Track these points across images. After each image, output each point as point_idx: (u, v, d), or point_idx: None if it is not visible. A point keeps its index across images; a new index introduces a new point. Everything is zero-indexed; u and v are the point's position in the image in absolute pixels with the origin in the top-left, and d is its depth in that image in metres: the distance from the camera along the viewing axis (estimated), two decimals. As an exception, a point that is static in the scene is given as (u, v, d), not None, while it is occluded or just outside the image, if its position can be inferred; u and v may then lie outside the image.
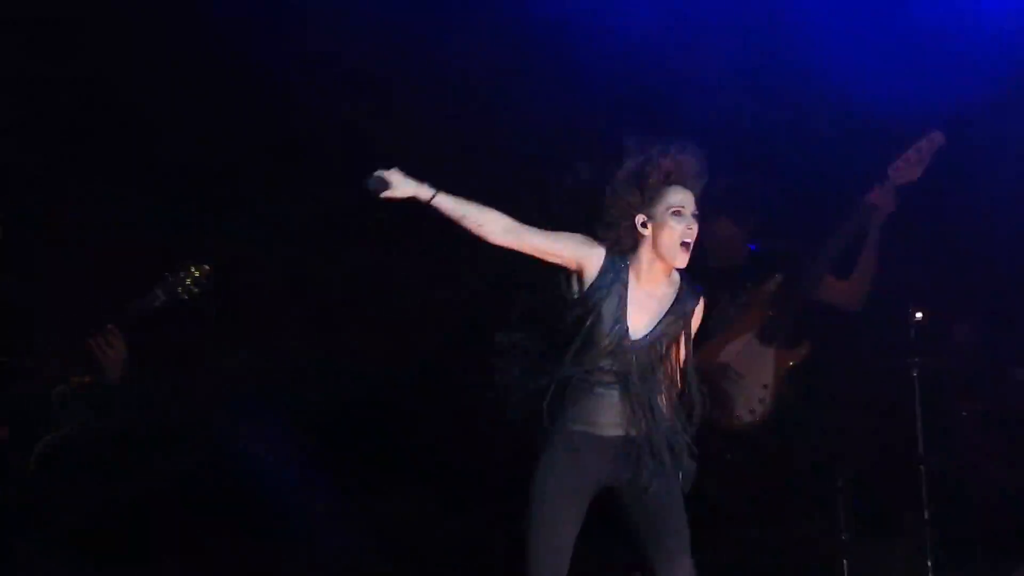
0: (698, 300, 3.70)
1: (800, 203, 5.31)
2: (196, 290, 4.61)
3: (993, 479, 5.50)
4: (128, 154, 5.41)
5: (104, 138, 5.37)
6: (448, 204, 3.51)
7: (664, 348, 3.63)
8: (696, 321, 3.71)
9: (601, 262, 3.53)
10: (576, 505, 3.72)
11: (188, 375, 5.35)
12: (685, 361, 3.61)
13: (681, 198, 3.55)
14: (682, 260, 3.56)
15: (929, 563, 5.28)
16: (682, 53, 5.39)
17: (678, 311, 3.60)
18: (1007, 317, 5.53)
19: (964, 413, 5.44)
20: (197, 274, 4.60)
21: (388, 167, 3.46)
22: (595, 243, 3.55)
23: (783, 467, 5.35)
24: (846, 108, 5.38)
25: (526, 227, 3.51)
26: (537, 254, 3.50)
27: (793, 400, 5.34)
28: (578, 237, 3.57)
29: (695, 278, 3.64)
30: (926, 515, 5.15)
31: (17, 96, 5.16)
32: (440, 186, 3.47)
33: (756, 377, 5.31)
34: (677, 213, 3.54)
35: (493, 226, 3.50)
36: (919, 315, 5.23)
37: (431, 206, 3.46)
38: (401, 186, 3.47)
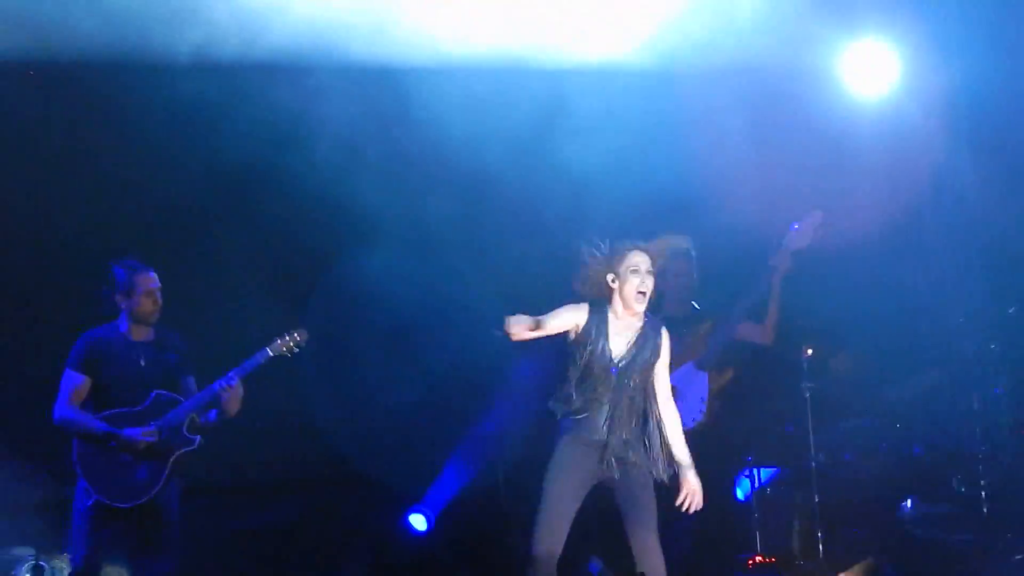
0: (660, 332, 5.01)
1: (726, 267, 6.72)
2: (296, 349, 5.89)
3: (861, 469, 6.94)
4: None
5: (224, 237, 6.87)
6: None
7: (640, 368, 4.90)
8: (666, 350, 5.01)
9: (587, 315, 4.89)
10: (574, 491, 4.95)
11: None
12: (662, 380, 5.00)
13: (637, 260, 4.92)
14: (639, 306, 4.87)
15: (819, 534, 6.66)
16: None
17: (645, 340, 4.89)
18: (876, 352, 6.99)
19: (841, 423, 6.92)
20: (298, 337, 5.87)
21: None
22: (580, 306, 4.90)
23: (716, 459, 6.42)
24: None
25: (543, 318, 4.79)
26: (553, 331, 4.80)
27: (720, 411, 6.62)
28: (568, 307, 4.89)
29: (658, 318, 5.04)
30: (816, 498, 6.54)
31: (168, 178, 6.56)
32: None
33: (695, 394, 6.60)
34: (635, 271, 4.89)
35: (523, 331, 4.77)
36: (810, 351, 6.68)
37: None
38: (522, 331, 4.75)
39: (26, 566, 6.47)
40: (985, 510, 6.67)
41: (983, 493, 6.77)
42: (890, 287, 6.98)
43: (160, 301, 5.95)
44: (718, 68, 6.66)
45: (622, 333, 4.92)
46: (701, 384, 6.66)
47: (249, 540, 7.31)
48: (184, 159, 6.88)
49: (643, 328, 4.93)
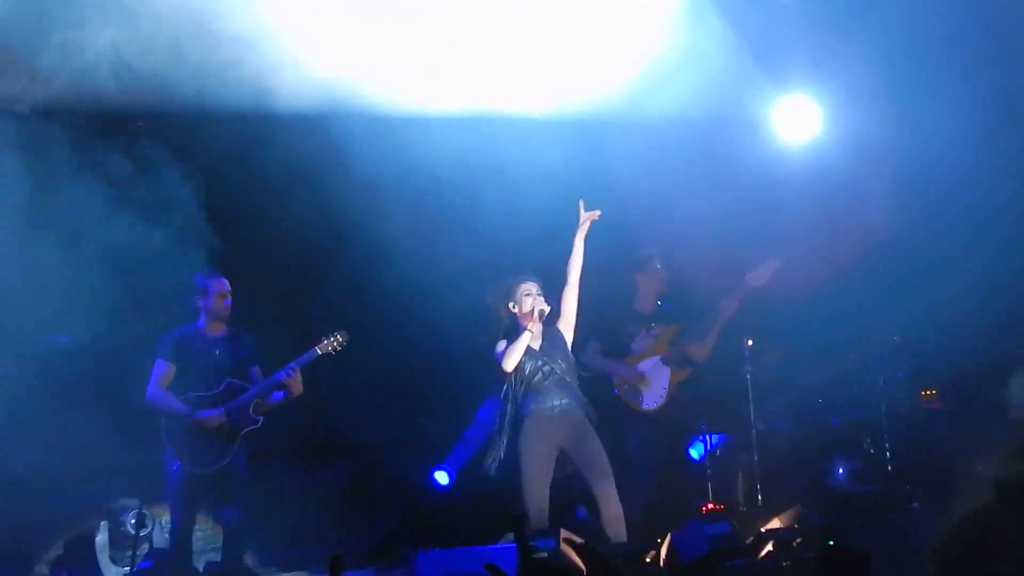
0: (557, 329, 6.11)
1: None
2: (339, 348, 6.61)
3: (791, 435, 7.69)
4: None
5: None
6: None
7: (561, 356, 6.03)
8: (568, 337, 6.12)
9: (507, 340, 6.03)
10: (546, 457, 6.04)
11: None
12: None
13: (527, 287, 6.12)
14: (535, 322, 6.02)
15: (758, 486, 7.34)
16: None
17: (552, 338, 6.04)
18: (802, 343, 7.69)
19: (775, 398, 7.69)
20: (340, 338, 6.60)
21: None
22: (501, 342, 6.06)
23: (677, 428, 7.45)
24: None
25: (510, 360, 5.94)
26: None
27: (681, 398, 7.32)
28: (502, 342, 6.05)
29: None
30: (755, 457, 7.31)
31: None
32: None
33: (659, 383, 7.25)
34: (528, 294, 6.11)
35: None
36: (750, 342, 7.49)
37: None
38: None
39: (132, 514, 7.13)
40: (889, 467, 7.37)
41: (887, 453, 7.45)
42: (815, 294, 7.49)
43: (229, 301, 6.55)
44: (665, 118, 7.10)
45: (537, 336, 6.09)
46: (664, 377, 7.29)
47: (304, 493, 7.89)
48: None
49: (549, 331, 6.11)
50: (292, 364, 6.45)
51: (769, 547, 5.80)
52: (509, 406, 6.00)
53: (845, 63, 7.35)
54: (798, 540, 5.83)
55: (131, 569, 6.97)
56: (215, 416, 6.41)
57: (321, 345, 6.52)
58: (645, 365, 7.23)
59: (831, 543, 4.92)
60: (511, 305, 6.08)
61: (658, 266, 7.28)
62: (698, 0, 6.90)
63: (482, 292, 6.35)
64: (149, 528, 7.16)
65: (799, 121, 7.50)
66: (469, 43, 6.66)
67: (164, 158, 6.87)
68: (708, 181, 7.30)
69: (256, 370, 6.61)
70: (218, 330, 6.56)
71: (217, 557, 6.86)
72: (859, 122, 7.45)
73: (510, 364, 5.95)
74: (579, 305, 6.25)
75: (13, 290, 6.52)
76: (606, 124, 7.25)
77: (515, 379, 6.00)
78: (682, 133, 7.27)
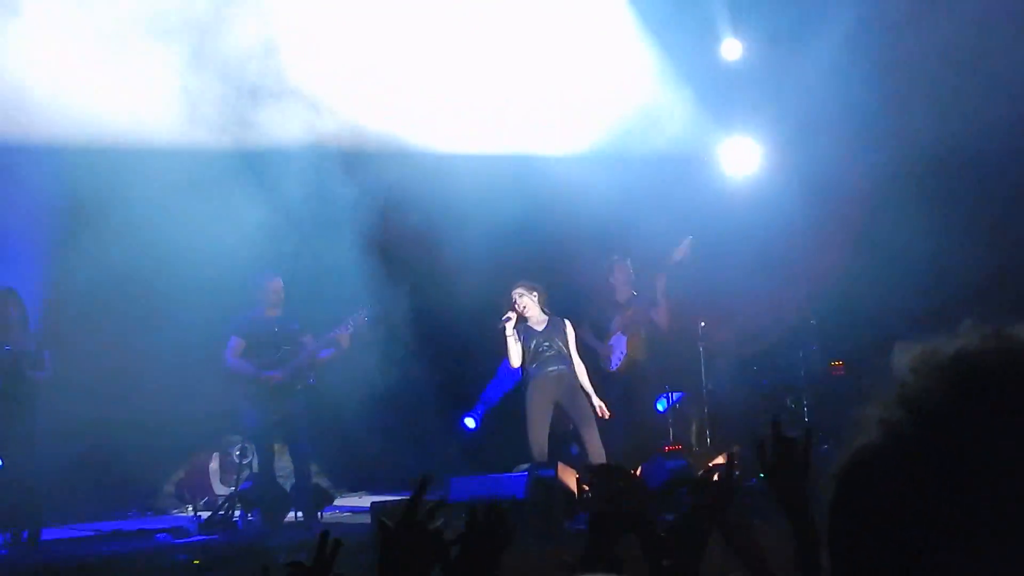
0: (563, 321, 7.85)
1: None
2: (365, 320, 8.11)
3: (733, 393, 8.92)
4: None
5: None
6: None
7: (560, 337, 7.73)
8: (571, 332, 7.83)
9: (518, 332, 7.77)
10: (546, 409, 7.71)
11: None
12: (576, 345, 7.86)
13: (517, 291, 7.84)
14: (510, 321, 7.69)
15: (708, 432, 8.53)
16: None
17: (555, 325, 7.77)
18: (743, 322, 9.23)
19: (721, 365, 9.10)
20: (365, 314, 8.09)
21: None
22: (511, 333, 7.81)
23: (645, 386, 8.73)
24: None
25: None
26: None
27: (639, 361, 8.58)
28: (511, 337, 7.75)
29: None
30: (705, 410, 8.70)
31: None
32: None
33: (619, 349, 8.54)
34: (519, 296, 7.80)
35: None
36: (703, 323, 8.88)
37: None
38: None
39: (237, 447, 8.36)
40: (806, 419, 8.56)
41: (805, 408, 8.81)
42: (753, 287, 8.88)
43: (282, 293, 8.15)
44: (631, 157, 8.50)
45: (539, 324, 7.88)
46: (623, 343, 8.61)
47: (362, 433, 9.10)
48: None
49: (551, 319, 7.88)
50: (331, 333, 8.08)
51: (715, 477, 6.97)
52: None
53: (782, 108, 8.86)
54: (736, 472, 7.13)
55: (235, 488, 8.17)
56: (276, 375, 7.86)
57: (354, 317, 8.05)
58: (615, 339, 8.70)
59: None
60: (513, 303, 7.92)
61: (625, 264, 8.76)
62: (661, 62, 8.46)
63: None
64: (249, 458, 8.20)
65: (742, 159, 9.08)
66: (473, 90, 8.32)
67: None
68: (665, 205, 8.72)
69: (308, 338, 8.10)
70: (274, 313, 8.10)
71: (294, 480, 8.30)
72: (793, 159, 9.05)
73: (514, 362, 7.87)
74: (577, 297, 8.27)
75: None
76: (587, 162, 8.66)
77: (526, 354, 7.84)
78: (645, 168, 8.68)
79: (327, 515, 8.40)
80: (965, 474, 0.85)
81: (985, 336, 0.89)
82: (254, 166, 8.38)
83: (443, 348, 9.73)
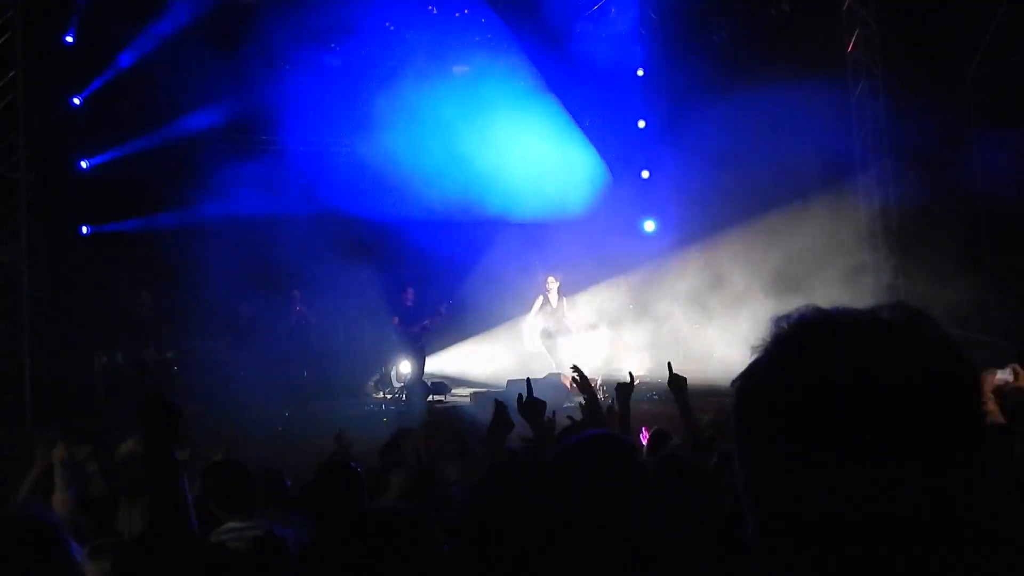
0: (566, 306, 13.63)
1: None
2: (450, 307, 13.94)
3: None
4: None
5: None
6: None
7: (562, 313, 13.63)
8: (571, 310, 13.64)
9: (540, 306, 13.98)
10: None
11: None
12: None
13: (548, 278, 13.96)
14: (537, 304, 13.91)
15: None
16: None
17: (562, 306, 13.73)
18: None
19: None
20: (446, 308, 14.25)
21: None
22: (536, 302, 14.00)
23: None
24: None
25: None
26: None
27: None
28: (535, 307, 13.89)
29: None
30: (599, 383, 12.12)
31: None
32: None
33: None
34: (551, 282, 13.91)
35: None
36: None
37: None
38: None
39: (393, 367, 13.83)
40: None
41: None
42: None
43: (413, 298, 13.46)
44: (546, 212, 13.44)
45: (552, 302, 13.70)
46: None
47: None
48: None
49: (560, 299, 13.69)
50: (426, 319, 13.52)
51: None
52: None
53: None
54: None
55: (402, 383, 13.83)
56: (410, 329, 13.54)
57: (442, 307, 13.68)
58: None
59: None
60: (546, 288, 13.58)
61: (551, 277, 13.61)
62: (572, 131, 12.96)
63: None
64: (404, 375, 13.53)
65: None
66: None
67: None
68: (582, 249, 13.75)
69: (428, 320, 13.68)
70: (408, 301, 13.54)
71: (429, 383, 13.85)
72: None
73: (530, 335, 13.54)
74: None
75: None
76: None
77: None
78: (563, 223, 13.75)
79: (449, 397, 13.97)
80: (813, 379, 1.21)
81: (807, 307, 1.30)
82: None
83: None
